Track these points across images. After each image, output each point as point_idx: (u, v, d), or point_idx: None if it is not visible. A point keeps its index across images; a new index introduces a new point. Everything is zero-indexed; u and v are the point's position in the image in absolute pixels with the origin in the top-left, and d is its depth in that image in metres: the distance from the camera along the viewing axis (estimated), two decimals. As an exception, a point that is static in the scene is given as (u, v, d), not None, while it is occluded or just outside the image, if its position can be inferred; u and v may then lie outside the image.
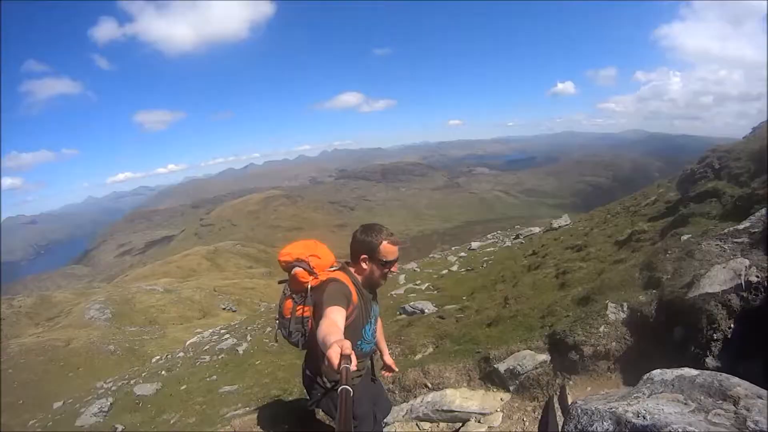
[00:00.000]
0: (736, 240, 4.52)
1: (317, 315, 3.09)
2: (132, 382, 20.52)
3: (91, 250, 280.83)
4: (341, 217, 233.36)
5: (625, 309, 4.70)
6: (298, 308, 3.41)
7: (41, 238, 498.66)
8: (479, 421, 5.10)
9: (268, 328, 21.73)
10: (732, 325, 3.56)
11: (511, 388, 5.32)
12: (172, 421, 11.67)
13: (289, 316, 3.46)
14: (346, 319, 2.96)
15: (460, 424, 5.19)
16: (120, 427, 13.48)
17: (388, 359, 4.09)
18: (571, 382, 4.68)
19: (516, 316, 7.17)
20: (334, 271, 3.44)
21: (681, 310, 3.98)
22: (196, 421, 10.27)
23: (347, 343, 2.07)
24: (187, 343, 29.37)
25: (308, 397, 3.63)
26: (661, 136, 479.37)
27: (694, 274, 4.26)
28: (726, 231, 4.77)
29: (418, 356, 7.55)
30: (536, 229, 29.58)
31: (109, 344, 37.71)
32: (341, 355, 2.01)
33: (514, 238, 29.30)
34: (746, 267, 3.78)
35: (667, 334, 4.06)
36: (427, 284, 19.89)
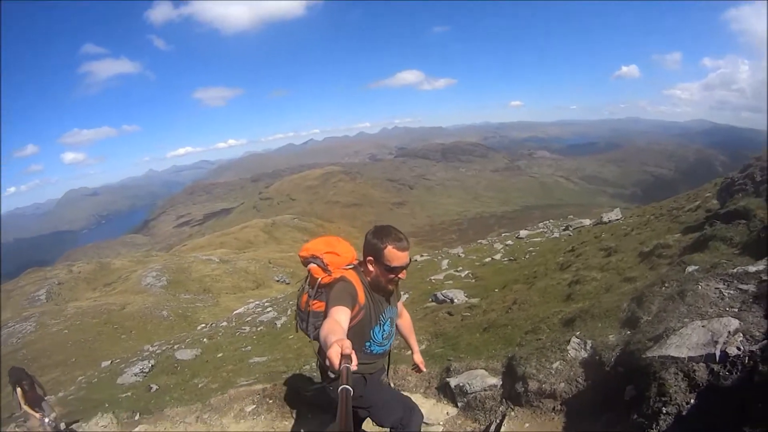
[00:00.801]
0: (741, 286, 3.84)
1: (326, 312, 3.01)
2: (175, 347, 21.08)
3: (150, 220, 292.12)
4: (400, 195, 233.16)
5: (588, 347, 4.36)
6: (312, 303, 3.43)
7: (102, 208, 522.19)
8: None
9: None
10: (692, 400, 2.97)
11: (459, 404, 5.33)
12: (200, 386, 11.90)
13: (304, 309, 3.52)
14: (352, 319, 2.96)
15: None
16: (154, 387, 13.94)
17: (417, 357, 4.07)
18: (513, 413, 4.47)
19: (508, 326, 6.98)
20: (347, 269, 3.36)
21: (637, 368, 3.47)
22: (218, 387, 10.42)
23: (347, 343, 2.06)
24: (233, 313, 30.09)
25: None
26: (726, 128, 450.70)
27: (666, 326, 3.66)
28: (734, 271, 4.12)
29: (408, 352, 7.39)
30: (587, 222, 28.56)
31: (162, 310, 39.23)
32: (342, 354, 2.00)
33: (564, 230, 28.46)
34: (729, 332, 3.17)
35: (619, 389, 3.61)
36: (467, 272, 19.26)
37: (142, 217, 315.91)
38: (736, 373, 2.84)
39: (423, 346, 7.71)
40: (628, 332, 4.31)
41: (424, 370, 4.10)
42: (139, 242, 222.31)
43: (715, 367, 2.99)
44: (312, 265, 3.44)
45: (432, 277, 19.16)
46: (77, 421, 10.90)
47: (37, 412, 9.81)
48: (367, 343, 3.38)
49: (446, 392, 5.54)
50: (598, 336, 4.38)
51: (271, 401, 7.07)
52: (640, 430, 3.07)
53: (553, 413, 4.17)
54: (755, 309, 3.41)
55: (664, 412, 3.00)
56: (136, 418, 10.22)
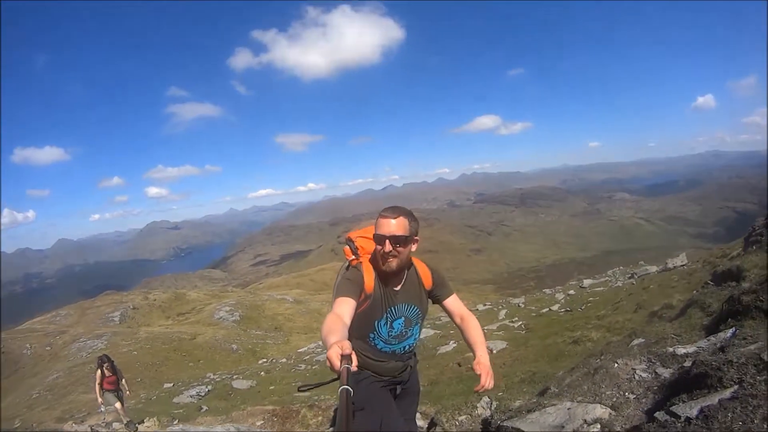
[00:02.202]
0: (659, 370, 3.61)
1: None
2: (234, 377, 22.17)
3: (229, 257, 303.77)
4: (478, 242, 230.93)
5: (492, 408, 4.61)
6: None
7: (182, 242, 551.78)
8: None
9: None
10: None
11: None
12: (248, 410, 12.74)
13: None
14: (359, 306, 2.95)
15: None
16: (204, 408, 15.14)
17: (476, 364, 2.93)
18: None
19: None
20: (369, 255, 3.22)
21: None
22: (256, 412, 11.35)
23: (347, 344, 2.06)
24: (296, 351, 30.86)
25: None
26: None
27: (543, 402, 3.70)
28: (664, 351, 3.92)
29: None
30: (653, 269, 27.58)
31: (232, 343, 40.60)
32: (342, 355, 2.00)
33: (629, 278, 27.67)
34: (586, 421, 3.15)
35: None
36: (521, 322, 19.17)
37: (221, 254, 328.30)
38: None
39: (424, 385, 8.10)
40: (533, 400, 4.28)
41: (483, 382, 2.83)
42: (215, 277, 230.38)
43: None
44: (345, 247, 3.34)
45: (486, 327, 19.05)
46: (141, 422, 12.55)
47: (102, 396, 11.56)
48: (371, 335, 3.16)
49: None
50: (508, 399, 4.61)
51: (275, 419, 8.10)
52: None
53: None
54: (647, 401, 3.28)
55: None
56: (175, 422, 12.08)
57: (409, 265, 3.14)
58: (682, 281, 14.24)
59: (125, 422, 11.83)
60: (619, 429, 3.06)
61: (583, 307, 19.51)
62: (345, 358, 1.98)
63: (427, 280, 3.19)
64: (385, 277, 3.06)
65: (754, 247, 10.55)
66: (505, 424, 3.67)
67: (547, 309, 22.13)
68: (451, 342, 16.81)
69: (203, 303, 59.28)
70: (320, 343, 31.09)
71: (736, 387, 2.45)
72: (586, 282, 30.19)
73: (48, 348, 48.68)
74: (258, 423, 8.79)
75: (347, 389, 1.80)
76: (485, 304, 32.33)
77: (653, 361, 3.88)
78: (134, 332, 48.34)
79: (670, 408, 2.59)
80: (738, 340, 3.26)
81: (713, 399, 2.45)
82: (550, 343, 9.94)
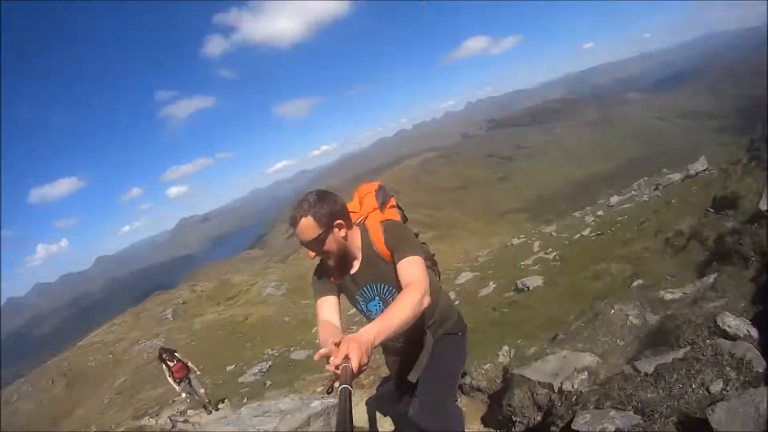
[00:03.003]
0: (648, 316, 3.91)
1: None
2: (291, 349, 23.07)
3: (263, 235, 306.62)
4: (501, 170, 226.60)
5: (511, 355, 5.11)
6: None
7: (215, 231, 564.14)
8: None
9: None
10: (538, 418, 3.51)
11: None
12: (308, 379, 13.64)
13: None
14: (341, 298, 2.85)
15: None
16: (269, 383, 15.87)
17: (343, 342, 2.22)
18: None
19: (512, 324, 7.63)
20: None
21: (506, 379, 4.23)
22: (315, 380, 12.24)
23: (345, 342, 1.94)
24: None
25: None
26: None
27: (543, 350, 4.19)
28: (655, 296, 4.19)
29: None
30: (676, 176, 27.39)
31: (284, 317, 41.60)
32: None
33: (654, 189, 27.69)
34: (576, 369, 3.53)
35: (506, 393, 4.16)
36: (555, 253, 18.84)
37: (255, 234, 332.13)
38: (563, 407, 3.27)
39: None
40: (544, 347, 4.68)
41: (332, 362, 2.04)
42: (255, 256, 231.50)
43: (552, 396, 3.50)
44: None
45: (522, 263, 19.23)
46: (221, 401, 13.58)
47: (179, 385, 12.11)
48: (363, 319, 2.94)
49: None
50: (525, 346, 5.22)
51: (336, 385, 8.95)
52: (506, 429, 3.92)
53: (482, 404, 4.95)
54: (631, 349, 3.62)
55: (515, 420, 3.78)
56: (245, 400, 13.09)
57: (364, 238, 2.77)
58: (700, 194, 14.40)
59: (204, 403, 12.45)
60: (602, 377, 3.35)
61: (612, 230, 19.68)
62: (345, 357, 1.92)
63: (382, 248, 2.71)
64: (341, 266, 2.79)
65: (754, 164, 10.45)
66: (515, 372, 4.10)
67: (579, 235, 22.18)
68: (491, 283, 16.74)
69: (249, 284, 60.40)
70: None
71: (688, 348, 2.75)
72: (613, 200, 30.26)
73: (110, 356, 50.58)
74: (318, 390, 9.69)
75: (348, 388, 1.78)
76: (519, 237, 32.66)
77: (645, 306, 4.16)
78: (189, 325, 49.82)
79: (635, 362, 2.97)
80: (712, 292, 3.61)
81: (668, 357, 2.76)
82: (575, 279, 10.43)
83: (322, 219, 2.53)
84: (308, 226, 2.53)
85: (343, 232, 2.63)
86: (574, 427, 2.74)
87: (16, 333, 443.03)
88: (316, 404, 5.02)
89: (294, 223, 2.56)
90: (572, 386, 3.42)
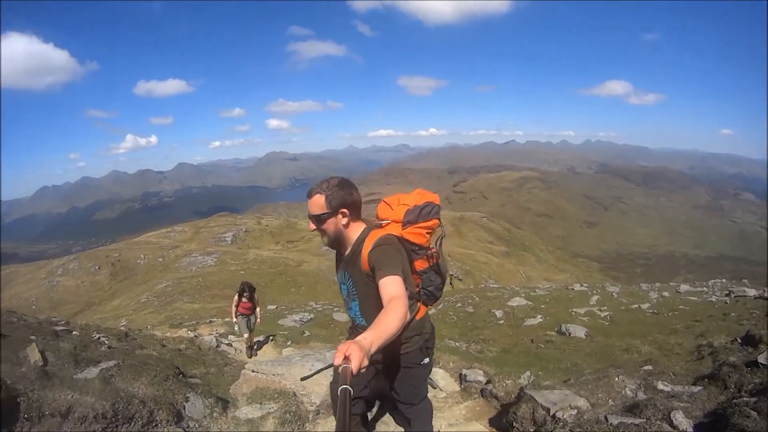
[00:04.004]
0: (641, 393, 4.78)
1: None
2: (335, 309, 22.94)
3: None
4: (593, 215, 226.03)
5: (530, 380, 6.51)
6: None
7: (299, 173, 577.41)
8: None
9: (458, 304, 22.06)
10: (532, 429, 4.69)
11: (462, 385, 7.36)
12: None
13: None
14: None
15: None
16: (307, 333, 16.26)
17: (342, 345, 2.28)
18: (477, 399, 6.47)
19: (542, 358, 9.10)
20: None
21: (519, 395, 5.42)
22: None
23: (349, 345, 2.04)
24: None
25: None
26: None
27: (552, 383, 5.51)
28: (653, 382, 5.06)
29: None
30: (752, 292, 26.79)
31: (335, 275, 43.16)
32: (344, 356, 2.00)
33: (725, 294, 27.32)
34: (570, 405, 4.61)
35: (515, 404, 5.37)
36: (608, 313, 18.67)
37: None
38: (550, 427, 4.34)
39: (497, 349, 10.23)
40: (555, 384, 5.82)
41: (335, 359, 2.11)
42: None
43: (547, 417, 4.56)
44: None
45: (574, 309, 19.39)
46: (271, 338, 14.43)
47: (235, 317, 12.35)
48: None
49: (461, 379, 7.36)
50: (543, 378, 6.41)
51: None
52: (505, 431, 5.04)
53: (493, 407, 6.13)
54: (615, 407, 4.49)
55: (514, 427, 4.84)
56: (288, 343, 13.78)
57: (360, 237, 3.04)
58: (757, 319, 14.60)
59: (247, 347, 12.47)
60: (585, 417, 4.26)
61: (667, 314, 19.85)
62: (345, 357, 1.99)
63: (365, 258, 2.93)
64: (334, 246, 3.16)
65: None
66: (527, 391, 5.14)
67: (637, 306, 22.14)
68: (539, 316, 17.14)
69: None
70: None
71: (644, 420, 3.74)
72: (683, 288, 29.90)
73: (160, 260, 53.40)
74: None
75: (348, 389, 1.83)
76: (582, 285, 32.74)
77: (641, 386, 5.00)
78: (244, 253, 51.30)
79: (608, 414, 4.05)
80: (687, 397, 4.38)
81: (629, 420, 3.78)
82: (610, 343, 11.29)
83: (332, 202, 2.92)
84: (318, 202, 2.95)
85: (345, 221, 2.99)
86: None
87: (82, 210, 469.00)
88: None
89: (309, 195, 2.99)
90: (563, 416, 4.43)
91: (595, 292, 28.12)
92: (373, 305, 2.83)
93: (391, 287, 2.64)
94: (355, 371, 1.93)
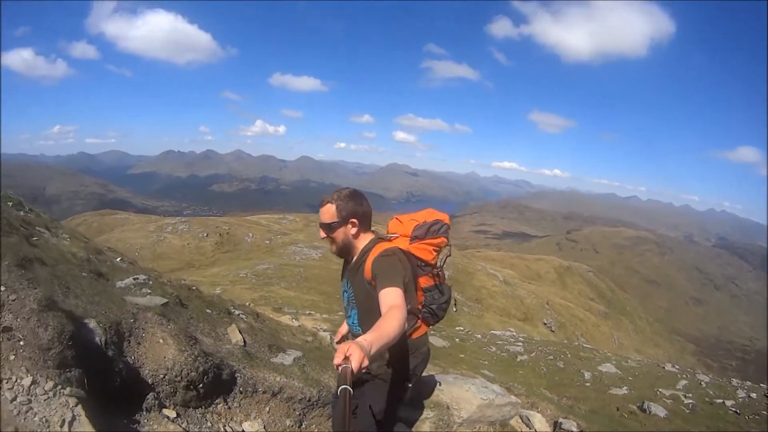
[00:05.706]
0: None
1: None
2: (431, 332, 22.41)
3: (456, 215, 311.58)
4: (702, 291, 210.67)
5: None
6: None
7: (417, 188, 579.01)
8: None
9: (550, 357, 21.54)
10: None
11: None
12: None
13: None
14: None
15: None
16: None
17: (344, 344, 2.17)
18: None
19: (618, 426, 10.28)
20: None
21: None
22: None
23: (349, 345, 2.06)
24: (490, 331, 30.54)
25: None
26: None
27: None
28: None
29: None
30: None
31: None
32: (345, 356, 2.02)
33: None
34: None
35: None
36: (690, 402, 17.42)
37: (450, 210, 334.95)
38: None
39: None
40: None
41: (336, 358, 2.07)
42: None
43: None
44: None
45: (660, 389, 18.48)
46: None
47: None
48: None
49: (555, 426, 7.70)
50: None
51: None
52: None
53: None
54: None
55: None
56: None
57: (366, 247, 3.08)
58: None
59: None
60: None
61: (749, 416, 19.54)
62: (346, 358, 2.00)
63: (368, 268, 2.96)
64: (342, 254, 3.20)
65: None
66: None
67: (722, 401, 21.97)
68: (624, 388, 16.98)
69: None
70: (517, 334, 29.78)
71: None
72: (741, 393, 28.79)
73: (267, 242, 54.49)
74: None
75: (347, 389, 1.87)
76: (674, 366, 31.81)
77: None
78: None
79: None
80: None
81: None
82: (688, 428, 12.15)
83: (342, 211, 2.99)
84: (329, 211, 3.02)
85: (354, 230, 3.05)
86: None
87: (201, 179, 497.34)
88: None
89: (321, 204, 3.05)
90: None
91: (684, 376, 27.27)
92: (371, 315, 2.81)
93: (391, 297, 2.67)
94: (355, 371, 1.97)
